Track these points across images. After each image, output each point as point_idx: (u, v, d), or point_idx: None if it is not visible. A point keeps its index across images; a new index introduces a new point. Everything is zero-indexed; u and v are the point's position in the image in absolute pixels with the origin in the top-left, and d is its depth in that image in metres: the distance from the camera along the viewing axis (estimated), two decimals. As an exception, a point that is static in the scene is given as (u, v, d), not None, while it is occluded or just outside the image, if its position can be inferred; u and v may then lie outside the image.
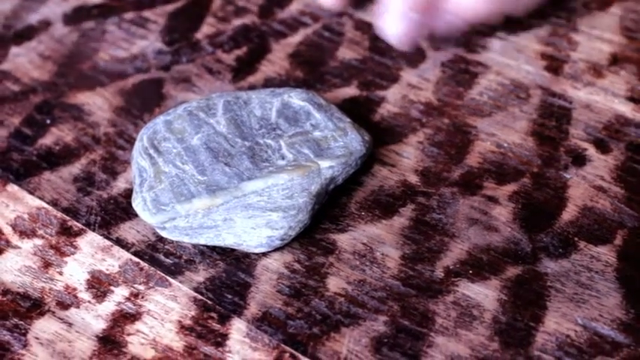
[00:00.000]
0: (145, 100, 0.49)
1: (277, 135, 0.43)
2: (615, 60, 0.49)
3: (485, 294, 0.40)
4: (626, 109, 0.48)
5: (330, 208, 0.44)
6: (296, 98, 0.44)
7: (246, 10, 0.54)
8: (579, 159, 0.45)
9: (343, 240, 0.43)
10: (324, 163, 0.42)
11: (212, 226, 0.41)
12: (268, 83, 0.49)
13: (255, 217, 0.41)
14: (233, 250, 0.42)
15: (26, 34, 0.53)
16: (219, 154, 0.42)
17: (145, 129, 0.44)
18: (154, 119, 0.44)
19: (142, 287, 0.41)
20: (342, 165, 0.42)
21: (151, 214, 0.41)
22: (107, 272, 0.42)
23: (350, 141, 0.43)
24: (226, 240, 0.41)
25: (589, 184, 0.44)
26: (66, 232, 0.44)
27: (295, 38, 0.52)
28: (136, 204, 0.42)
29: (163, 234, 0.42)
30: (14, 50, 0.52)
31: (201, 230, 0.41)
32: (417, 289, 0.41)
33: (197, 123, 0.43)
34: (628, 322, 0.39)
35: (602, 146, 0.46)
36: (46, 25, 0.54)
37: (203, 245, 0.42)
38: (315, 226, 0.43)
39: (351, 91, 0.49)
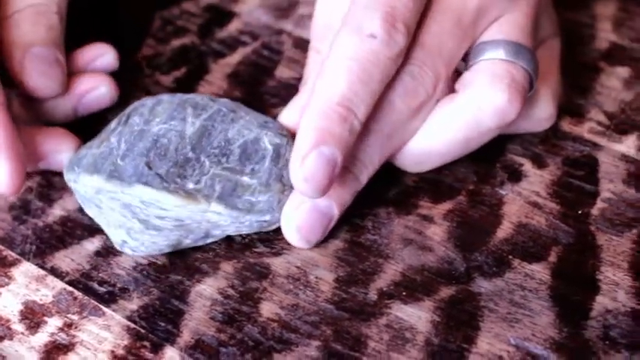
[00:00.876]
0: (85, 123, 0.49)
1: (217, 161, 0.43)
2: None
3: (418, 315, 0.40)
4: (562, 122, 0.48)
5: (264, 232, 0.43)
6: (269, 138, 0.44)
7: (186, 29, 0.54)
8: (515, 174, 0.45)
9: (277, 264, 0.42)
10: (216, 207, 0.42)
11: (98, 205, 0.42)
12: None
13: (125, 217, 0.41)
14: (168, 276, 0.42)
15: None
16: (155, 150, 0.42)
17: (145, 99, 0.45)
18: (161, 94, 0.45)
19: (75, 317, 0.41)
20: (232, 218, 0.42)
21: (67, 164, 0.43)
22: (41, 302, 0.42)
23: (266, 204, 0.42)
24: (99, 223, 0.43)
25: (524, 200, 0.44)
26: (0, 262, 0.43)
27: (234, 58, 0.52)
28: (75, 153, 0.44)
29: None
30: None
31: (89, 203, 0.42)
32: (350, 312, 0.41)
33: (175, 115, 0.43)
34: (561, 342, 0.39)
35: (538, 161, 0.46)
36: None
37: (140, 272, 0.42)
38: (250, 249, 0.43)
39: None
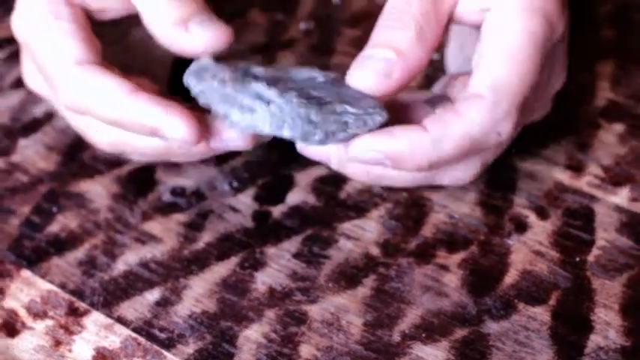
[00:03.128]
0: (139, 186, 0.55)
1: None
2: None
3: (435, 355, 0.47)
4: (564, 176, 0.54)
5: (302, 281, 0.50)
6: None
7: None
8: (521, 226, 0.52)
9: (313, 311, 0.49)
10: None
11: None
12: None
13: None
14: (218, 323, 0.49)
15: (32, 126, 0.60)
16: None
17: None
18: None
19: (140, 360, 0.48)
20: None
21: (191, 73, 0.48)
22: (110, 348, 0.48)
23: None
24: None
25: (529, 249, 0.51)
26: (73, 312, 0.50)
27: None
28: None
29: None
30: (22, 142, 0.59)
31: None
32: (377, 352, 0.47)
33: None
34: (559, 376, 0.45)
35: (541, 213, 0.52)
36: (49, 117, 0.60)
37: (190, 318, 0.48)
38: (289, 297, 0.49)
39: (318, 171, 0.55)
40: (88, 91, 0.48)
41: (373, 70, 0.46)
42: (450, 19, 0.48)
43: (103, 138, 0.51)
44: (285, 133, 0.46)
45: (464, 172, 0.49)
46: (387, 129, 0.46)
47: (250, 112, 0.46)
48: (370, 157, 0.46)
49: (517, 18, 0.46)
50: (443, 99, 0.50)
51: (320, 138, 0.46)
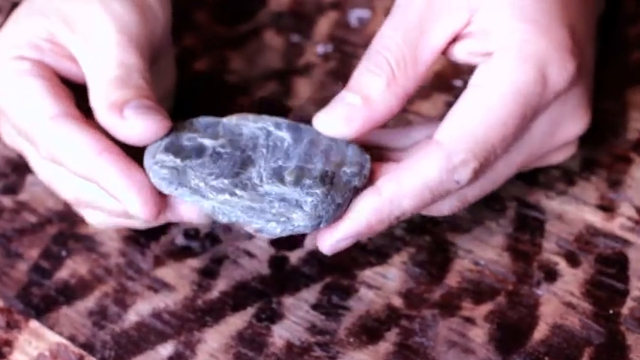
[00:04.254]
0: (150, 228, 0.53)
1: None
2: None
3: (462, 419, 0.45)
4: (595, 218, 0.51)
5: (321, 335, 0.48)
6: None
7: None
8: (551, 274, 0.49)
9: (333, 368, 0.47)
10: None
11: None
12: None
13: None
14: (234, 381, 0.47)
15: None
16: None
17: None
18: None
19: (153, 421, 0.46)
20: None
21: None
22: (122, 408, 0.47)
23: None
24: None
25: (560, 300, 0.48)
26: (83, 368, 0.48)
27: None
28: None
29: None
30: (30, 179, 0.57)
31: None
32: (400, 416, 0.45)
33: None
34: None
35: (572, 259, 0.50)
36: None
37: None
38: (308, 353, 0.47)
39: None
40: (62, 146, 0.46)
41: (336, 114, 0.46)
42: (459, 71, 0.46)
43: (68, 191, 0.49)
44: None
45: (442, 207, 0.48)
46: (349, 210, 0.45)
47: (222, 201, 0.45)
48: (342, 245, 0.45)
49: (506, 67, 0.45)
50: None
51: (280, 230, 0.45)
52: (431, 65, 0.47)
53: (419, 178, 0.44)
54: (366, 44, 0.60)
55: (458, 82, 0.58)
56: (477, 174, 0.45)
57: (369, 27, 0.63)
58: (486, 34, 0.46)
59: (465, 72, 0.50)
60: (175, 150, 0.46)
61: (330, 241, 0.45)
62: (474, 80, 0.46)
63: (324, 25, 0.63)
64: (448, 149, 0.44)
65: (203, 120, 0.48)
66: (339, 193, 0.44)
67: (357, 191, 0.45)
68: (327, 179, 0.45)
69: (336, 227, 0.44)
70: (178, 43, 0.61)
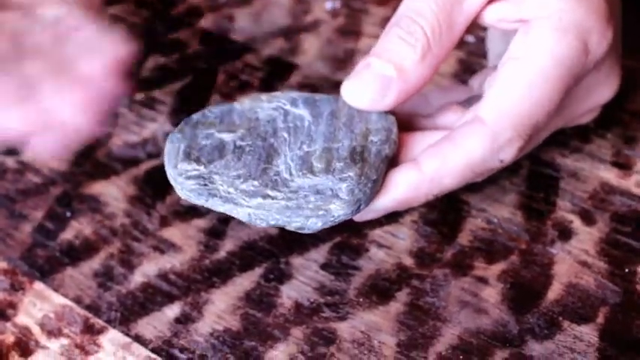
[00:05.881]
0: (156, 188, 0.52)
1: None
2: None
3: (475, 380, 0.44)
4: (610, 175, 0.50)
5: (331, 295, 0.47)
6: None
7: (249, 84, 0.57)
8: (565, 232, 0.48)
9: (343, 329, 0.46)
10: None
11: None
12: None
13: None
14: (242, 342, 0.46)
15: (44, 121, 0.57)
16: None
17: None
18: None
19: (160, 383, 0.45)
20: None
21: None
22: (128, 370, 0.46)
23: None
24: None
25: (574, 259, 0.47)
26: (89, 330, 0.47)
27: (296, 114, 0.55)
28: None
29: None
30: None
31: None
32: (411, 377, 0.44)
33: None
34: (608, 404, 0.42)
35: (587, 218, 0.48)
36: (62, 110, 0.57)
37: (214, 340, 0.46)
38: (317, 314, 0.46)
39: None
40: None
41: (368, 86, 0.44)
42: (472, 25, 0.44)
43: None
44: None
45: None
46: (384, 183, 0.44)
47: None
48: (377, 215, 0.45)
49: (547, 39, 0.43)
50: (478, 99, 0.46)
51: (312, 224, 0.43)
52: (463, 32, 0.45)
53: (463, 156, 0.43)
54: (374, 0, 0.59)
55: (470, 38, 0.57)
56: (521, 151, 0.44)
57: (379, -18, 0.61)
58: (521, 0, 0.44)
59: (476, 27, 0.48)
60: (195, 153, 0.44)
61: (365, 216, 0.44)
62: (513, 52, 0.44)
63: (332, -20, 0.61)
64: (494, 128, 0.43)
65: (215, 109, 0.46)
66: (373, 168, 0.43)
67: (388, 160, 0.43)
68: (357, 156, 0.43)
69: (373, 204, 0.43)
70: (184, 1, 0.60)
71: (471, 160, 0.43)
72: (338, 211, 0.42)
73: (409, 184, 0.43)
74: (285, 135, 0.44)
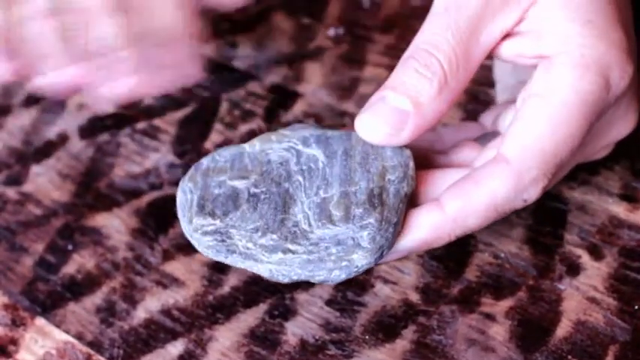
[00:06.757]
0: (159, 220, 0.52)
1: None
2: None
3: (483, 421, 0.43)
4: (619, 209, 0.49)
5: (336, 332, 0.46)
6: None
7: (253, 113, 0.56)
8: (573, 268, 0.47)
9: (349, 367, 0.45)
10: None
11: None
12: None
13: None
14: (247, 380, 0.45)
15: (45, 150, 0.56)
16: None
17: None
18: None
19: (163, 423, 0.45)
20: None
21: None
22: (131, 409, 0.45)
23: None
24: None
25: (583, 295, 0.46)
26: (91, 367, 0.47)
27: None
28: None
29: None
30: (35, 169, 0.55)
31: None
32: (419, 418, 0.43)
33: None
34: None
35: (595, 252, 0.48)
36: (63, 139, 0.57)
37: None
38: (322, 351, 0.46)
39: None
40: None
41: (384, 121, 0.42)
42: (489, 56, 0.44)
43: None
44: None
45: None
46: (406, 224, 0.42)
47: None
48: (399, 256, 0.44)
49: (570, 76, 0.42)
50: (494, 136, 0.45)
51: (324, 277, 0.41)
52: (479, 66, 0.44)
53: (487, 197, 0.42)
54: (378, 27, 0.58)
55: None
56: (544, 190, 0.43)
57: (382, 9, 0.61)
58: (539, 36, 0.43)
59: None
60: (209, 205, 0.43)
61: (387, 258, 0.43)
62: (535, 89, 0.43)
63: (335, 6, 0.61)
64: (518, 168, 0.42)
65: (225, 152, 0.44)
66: (392, 211, 0.41)
67: (407, 198, 0.42)
68: (376, 199, 0.42)
69: (395, 246, 0.42)
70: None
71: (495, 201, 0.42)
72: (361, 260, 0.41)
73: (432, 225, 0.42)
74: (300, 179, 0.43)
